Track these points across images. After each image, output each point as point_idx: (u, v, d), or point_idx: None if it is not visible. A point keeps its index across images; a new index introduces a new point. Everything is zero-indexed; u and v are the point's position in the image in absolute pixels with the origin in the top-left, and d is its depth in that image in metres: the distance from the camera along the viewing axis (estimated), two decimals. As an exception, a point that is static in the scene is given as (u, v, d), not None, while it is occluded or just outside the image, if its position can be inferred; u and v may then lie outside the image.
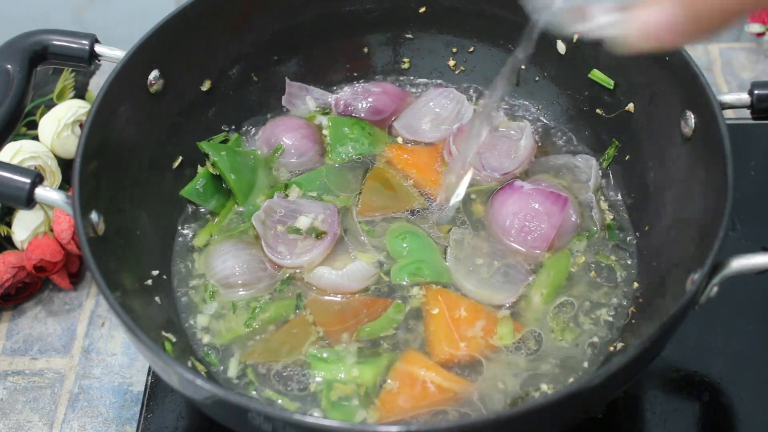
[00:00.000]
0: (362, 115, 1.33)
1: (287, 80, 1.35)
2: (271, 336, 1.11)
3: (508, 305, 1.12)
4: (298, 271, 1.17)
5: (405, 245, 1.18)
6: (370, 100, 1.34)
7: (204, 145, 1.26)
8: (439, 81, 1.39)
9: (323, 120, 1.34)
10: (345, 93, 1.36)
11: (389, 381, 1.06)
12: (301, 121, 1.32)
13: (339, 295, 1.14)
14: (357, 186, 1.26)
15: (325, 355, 1.08)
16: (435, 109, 1.33)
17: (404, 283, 1.15)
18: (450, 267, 1.15)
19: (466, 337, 1.08)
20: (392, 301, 1.13)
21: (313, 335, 1.11)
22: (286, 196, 1.23)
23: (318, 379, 1.06)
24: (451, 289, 1.14)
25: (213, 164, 1.24)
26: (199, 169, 1.26)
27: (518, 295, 1.13)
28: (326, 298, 1.14)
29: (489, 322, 1.10)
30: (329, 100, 1.36)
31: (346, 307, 1.13)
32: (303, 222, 1.18)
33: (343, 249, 1.19)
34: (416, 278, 1.15)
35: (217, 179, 1.25)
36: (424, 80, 1.40)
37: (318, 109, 1.35)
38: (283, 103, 1.35)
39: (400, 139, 1.32)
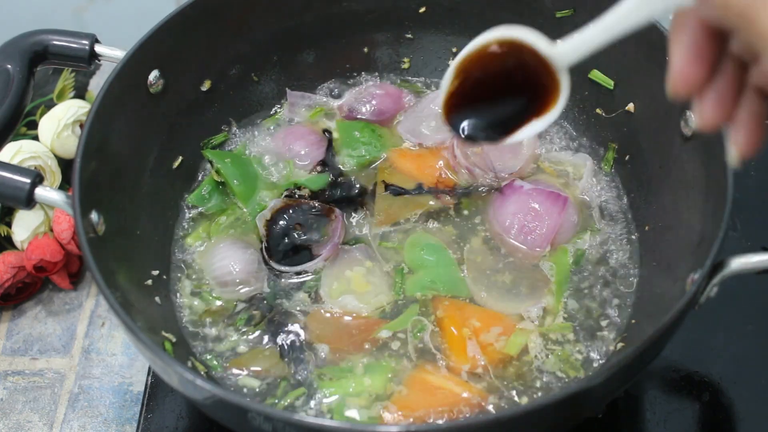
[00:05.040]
0: (366, 117, 1.33)
1: (288, 90, 1.35)
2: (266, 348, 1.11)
3: (536, 311, 1.12)
4: (308, 277, 1.16)
5: (424, 257, 1.16)
6: (373, 102, 1.33)
7: (208, 153, 1.26)
8: (438, 81, 1.39)
9: (331, 125, 1.33)
10: (348, 98, 1.36)
11: (399, 387, 1.05)
12: (309, 129, 1.32)
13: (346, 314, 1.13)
14: (363, 190, 1.25)
15: (330, 369, 1.07)
16: (437, 110, 1.33)
17: (418, 295, 1.13)
18: (468, 283, 1.14)
19: (478, 347, 1.08)
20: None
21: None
22: (294, 195, 1.23)
23: (329, 397, 1.05)
24: (468, 301, 1.13)
25: (217, 171, 1.24)
26: (199, 168, 1.27)
27: (544, 300, 1.13)
28: (327, 315, 1.12)
29: (505, 330, 1.10)
30: (332, 105, 1.36)
31: (351, 324, 1.11)
32: (307, 225, 1.18)
33: (354, 259, 1.17)
34: (432, 292, 1.14)
35: (222, 184, 1.25)
36: (425, 80, 1.40)
37: (318, 108, 1.35)
38: (286, 114, 1.35)
39: (408, 144, 1.31)
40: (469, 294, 1.14)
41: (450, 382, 1.05)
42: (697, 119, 0.72)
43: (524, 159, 1.25)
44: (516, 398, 1.05)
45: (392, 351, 1.09)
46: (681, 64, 0.70)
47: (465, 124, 0.95)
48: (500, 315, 1.11)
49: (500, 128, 0.93)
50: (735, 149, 0.72)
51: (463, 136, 0.95)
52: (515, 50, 0.88)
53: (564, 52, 0.86)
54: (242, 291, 1.15)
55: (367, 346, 1.09)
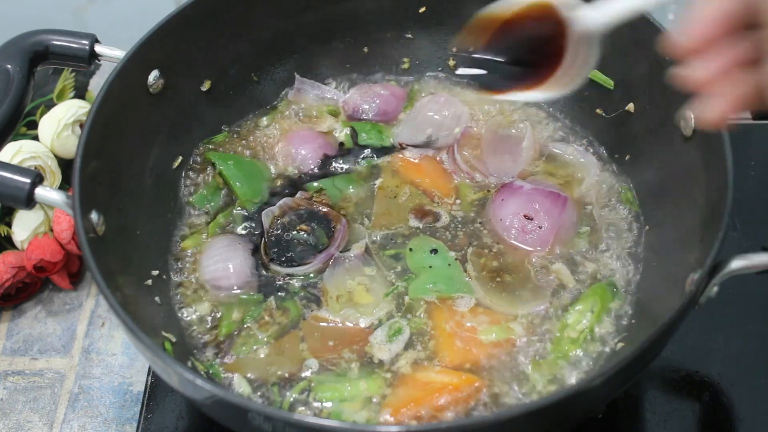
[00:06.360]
0: (370, 116, 1.33)
1: (296, 75, 1.35)
2: (268, 348, 1.10)
3: (537, 311, 1.12)
4: (307, 281, 1.16)
5: (426, 260, 1.16)
6: (377, 101, 1.33)
7: (211, 155, 1.26)
8: (438, 81, 1.39)
9: (336, 127, 1.33)
10: (353, 95, 1.35)
11: (394, 388, 1.05)
12: (314, 133, 1.31)
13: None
14: (368, 196, 1.25)
15: (327, 376, 1.07)
16: (434, 117, 1.31)
17: (418, 298, 1.13)
18: (472, 285, 1.14)
19: (472, 344, 1.08)
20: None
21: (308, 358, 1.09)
22: (309, 197, 1.23)
23: (327, 403, 1.04)
24: (471, 302, 1.13)
25: (219, 173, 1.24)
26: (199, 168, 1.27)
27: (546, 302, 1.12)
28: (322, 324, 1.11)
29: (493, 321, 1.10)
30: (337, 99, 1.35)
31: (343, 333, 1.11)
32: (311, 228, 1.18)
33: (356, 267, 1.16)
34: (435, 293, 1.13)
35: (224, 185, 1.25)
36: (425, 80, 1.39)
37: (325, 107, 1.35)
38: (290, 97, 1.35)
39: (409, 155, 1.30)
40: (472, 294, 1.13)
41: (446, 377, 1.05)
42: (689, 77, 0.78)
43: (524, 163, 1.25)
44: (514, 397, 1.05)
45: (383, 356, 1.09)
46: (700, 21, 0.76)
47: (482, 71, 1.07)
48: (494, 312, 1.11)
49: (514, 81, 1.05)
50: (705, 115, 0.78)
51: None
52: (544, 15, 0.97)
53: (594, 16, 0.93)
54: (239, 292, 1.15)
55: (354, 355, 1.08)
